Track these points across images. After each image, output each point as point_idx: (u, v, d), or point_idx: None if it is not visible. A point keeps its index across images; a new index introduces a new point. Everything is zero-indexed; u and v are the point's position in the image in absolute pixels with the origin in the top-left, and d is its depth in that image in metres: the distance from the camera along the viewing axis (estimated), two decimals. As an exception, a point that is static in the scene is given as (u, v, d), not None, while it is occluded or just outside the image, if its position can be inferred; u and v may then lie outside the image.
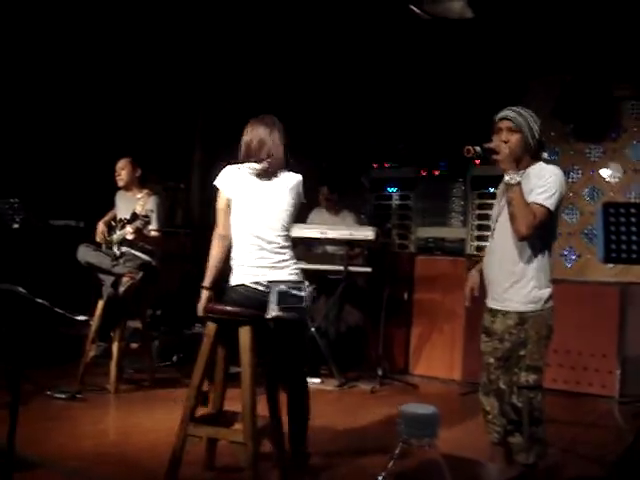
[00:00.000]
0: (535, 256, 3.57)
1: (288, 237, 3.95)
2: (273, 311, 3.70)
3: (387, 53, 7.31)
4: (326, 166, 8.16)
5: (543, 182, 3.52)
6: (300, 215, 7.16)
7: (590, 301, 6.58)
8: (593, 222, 6.75)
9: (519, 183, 3.47)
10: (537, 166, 3.65)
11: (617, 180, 6.79)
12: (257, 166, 3.88)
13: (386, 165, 8.13)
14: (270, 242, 3.84)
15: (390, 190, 8.01)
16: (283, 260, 3.86)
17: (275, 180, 3.89)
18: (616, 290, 6.51)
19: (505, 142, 3.56)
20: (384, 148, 8.24)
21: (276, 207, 3.88)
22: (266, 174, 3.88)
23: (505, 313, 3.61)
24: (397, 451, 1.11)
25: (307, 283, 3.87)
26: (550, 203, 3.48)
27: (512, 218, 3.48)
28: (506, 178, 3.49)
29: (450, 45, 7.00)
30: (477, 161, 7.24)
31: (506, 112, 3.66)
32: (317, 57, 7.40)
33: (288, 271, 3.85)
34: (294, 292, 3.75)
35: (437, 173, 7.76)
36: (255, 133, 3.93)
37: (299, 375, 4.06)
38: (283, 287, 3.74)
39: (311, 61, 7.50)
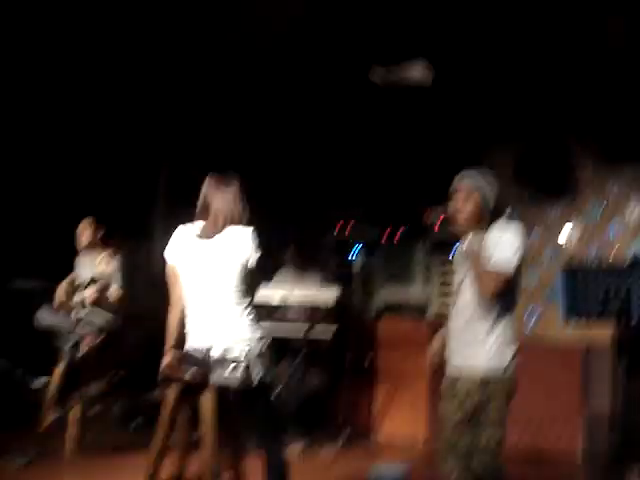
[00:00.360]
0: (500, 315, 3.57)
1: (240, 294, 3.79)
2: (212, 378, 3.65)
3: (347, 117, 7.42)
4: (292, 227, 8.19)
5: (504, 245, 3.53)
6: (267, 273, 7.25)
7: (551, 363, 6.58)
8: (553, 284, 6.83)
9: (479, 248, 3.51)
10: (498, 225, 3.66)
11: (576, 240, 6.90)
12: (200, 225, 3.85)
13: (350, 227, 8.18)
14: (216, 302, 3.76)
15: (353, 251, 8.04)
16: (230, 321, 3.76)
17: (217, 238, 3.78)
18: (579, 351, 6.54)
19: (461, 205, 3.64)
20: (347, 211, 8.31)
21: (217, 266, 3.76)
22: (207, 233, 3.80)
23: (466, 376, 3.58)
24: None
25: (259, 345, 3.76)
26: (511, 267, 3.50)
27: (476, 283, 3.51)
28: (466, 245, 3.55)
29: (409, 111, 7.13)
30: (436, 227, 7.34)
31: (464, 173, 3.74)
32: (281, 119, 7.48)
33: (235, 333, 3.74)
34: (230, 357, 3.66)
35: (399, 235, 7.82)
36: (203, 191, 3.89)
37: (269, 441, 3.95)
38: (220, 352, 3.66)
39: (276, 122, 7.57)
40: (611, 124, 6.61)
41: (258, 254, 3.78)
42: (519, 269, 3.57)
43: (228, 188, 3.89)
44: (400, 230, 7.77)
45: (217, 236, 3.79)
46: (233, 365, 3.63)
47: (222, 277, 3.76)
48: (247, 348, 3.69)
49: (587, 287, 3.98)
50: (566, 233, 6.94)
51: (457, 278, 3.75)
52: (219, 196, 3.86)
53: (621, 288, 4.01)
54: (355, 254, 8.02)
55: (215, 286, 3.77)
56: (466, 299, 3.61)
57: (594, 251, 6.80)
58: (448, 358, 3.73)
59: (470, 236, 3.54)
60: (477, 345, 3.56)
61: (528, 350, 6.60)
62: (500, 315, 3.57)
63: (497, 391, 3.53)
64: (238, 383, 3.66)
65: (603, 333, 4.95)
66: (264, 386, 3.80)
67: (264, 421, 3.92)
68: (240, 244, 3.76)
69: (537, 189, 7.03)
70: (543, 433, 6.60)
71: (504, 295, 3.54)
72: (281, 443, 4.00)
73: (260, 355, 3.72)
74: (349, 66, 6.48)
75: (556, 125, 6.87)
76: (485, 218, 3.66)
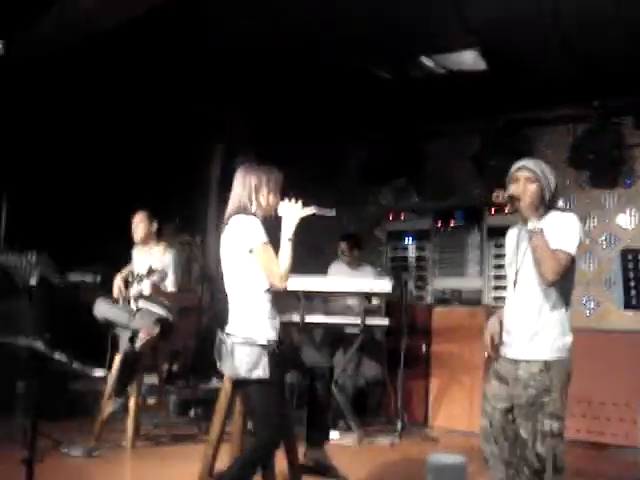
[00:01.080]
0: (559, 304, 3.62)
1: (247, 287, 3.72)
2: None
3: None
4: (346, 221, 8.18)
5: (564, 229, 3.58)
6: (320, 268, 7.26)
7: (611, 349, 6.50)
8: (611, 269, 6.71)
9: (542, 230, 3.54)
10: (553, 215, 3.70)
11: (633, 226, 6.77)
12: None
13: (402, 217, 8.15)
14: (230, 292, 3.77)
15: (406, 242, 8.01)
16: (234, 311, 3.73)
17: (226, 228, 3.78)
18: (637, 337, 6.43)
19: (523, 190, 3.65)
20: (399, 201, 8.28)
21: (224, 258, 3.79)
22: (225, 224, 3.80)
23: (529, 361, 3.61)
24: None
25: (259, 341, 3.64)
26: (573, 249, 3.55)
27: (538, 264, 3.55)
28: (529, 226, 3.57)
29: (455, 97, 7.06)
30: (492, 211, 7.29)
31: (524, 162, 3.74)
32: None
33: (239, 325, 3.71)
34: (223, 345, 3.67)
35: (453, 223, 7.76)
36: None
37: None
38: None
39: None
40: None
41: (258, 242, 3.64)
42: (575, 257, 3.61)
43: (244, 176, 3.82)
44: (455, 217, 7.71)
45: (226, 227, 3.78)
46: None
47: (228, 267, 3.77)
48: (237, 340, 3.64)
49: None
50: (624, 219, 6.81)
51: (513, 264, 3.77)
52: (235, 185, 3.84)
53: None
54: (408, 244, 8.00)
55: (226, 276, 3.78)
56: (526, 284, 3.65)
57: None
58: (505, 344, 3.75)
59: (533, 220, 3.56)
60: (539, 332, 3.60)
61: (586, 340, 6.63)
62: (560, 300, 3.62)
63: (560, 376, 3.58)
64: (229, 373, 3.69)
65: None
66: (256, 382, 3.62)
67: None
68: (235, 235, 3.71)
69: (594, 173, 6.90)
70: (603, 423, 6.51)
71: (564, 279, 3.58)
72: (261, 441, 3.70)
73: (250, 346, 3.62)
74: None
75: (612, 111, 6.74)
76: (543, 206, 3.69)
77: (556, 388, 3.57)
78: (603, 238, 6.88)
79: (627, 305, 3.93)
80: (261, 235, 3.64)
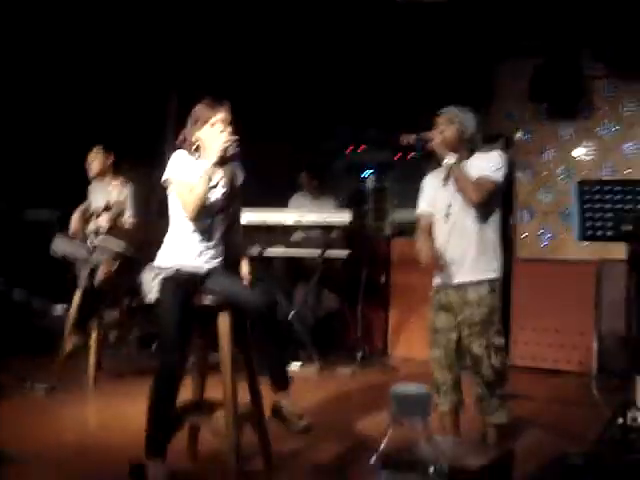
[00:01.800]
0: (491, 230, 3.95)
1: (171, 217, 3.88)
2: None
3: (359, 35, 7.27)
4: (308, 151, 8.14)
5: (487, 161, 3.91)
6: (281, 199, 7.26)
7: (567, 279, 6.63)
8: (568, 201, 6.78)
9: (457, 163, 3.86)
10: (478, 154, 3.99)
11: (590, 158, 6.83)
12: None
13: (361, 148, 8.12)
14: None
15: (366, 173, 8.00)
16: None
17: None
18: (592, 267, 6.55)
19: (440, 131, 3.95)
20: (358, 132, 8.24)
21: None
22: None
23: (477, 283, 3.88)
24: (389, 432, 1.11)
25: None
26: (497, 176, 3.87)
27: (462, 192, 3.85)
28: (445, 161, 3.89)
29: (421, 28, 6.97)
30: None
31: (443, 109, 4.04)
32: (292, 40, 7.34)
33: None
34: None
35: (411, 154, 7.76)
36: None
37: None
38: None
39: (285, 42, 7.44)
40: (628, 40, 6.46)
41: (172, 175, 3.75)
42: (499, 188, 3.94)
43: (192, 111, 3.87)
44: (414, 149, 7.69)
45: None
46: None
47: None
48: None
49: (602, 205, 3.94)
50: (580, 152, 6.87)
51: (444, 200, 3.99)
52: None
53: (636, 206, 3.97)
54: (367, 176, 7.99)
55: None
56: (460, 215, 3.91)
57: (609, 171, 6.73)
58: (446, 273, 3.94)
59: (447, 156, 3.88)
60: (481, 255, 3.89)
61: (542, 270, 6.75)
62: (493, 228, 3.96)
63: (499, 296, 3.96)
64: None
65: (618, 250, 4.94)
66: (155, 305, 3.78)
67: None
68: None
69: (551, 106, 6.92)
70: (557, 350, 6.67)
71: (491, 209, 3.94)
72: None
73: (150, 271, 3.80)
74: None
75: (571, 42, 6.73)
76: (463, 147, 3.96)
77: (499, 307, 3.95)
78: (560, 170, 6.94)
79: (583, 236, 4.00)
80: (177, 169, 3.72)
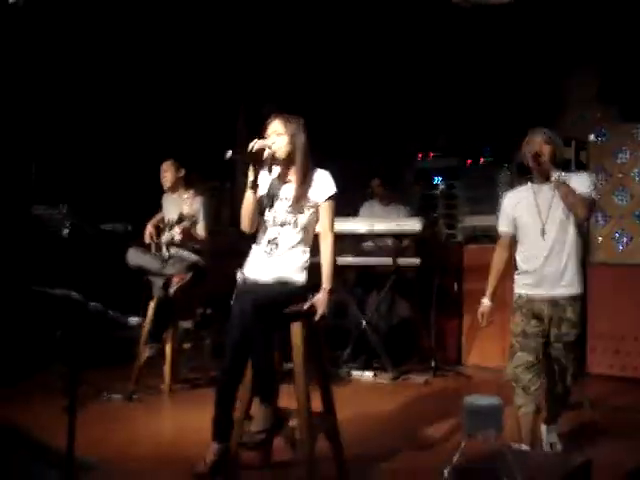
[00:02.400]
0: (581, 246, 4.21)
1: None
2: None
3: (427, 43, 7.25)
4: (378, 159, 8.14)
5: (583, 179, 4.19)
6: (351, 208, 7.28)
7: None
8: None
9: (566, 180, 4.06)
10: (568, 174, 4.22)
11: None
12: None
13: (430, 156, 8.07)
14: None
15: (436, 180, 7.95)
16: None
17: None
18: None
19: (540, 149, 4.15)
20: (427, 139, 8.20)
21: None
22: None
23: (576, 298, 4.15)
24: (462, 445, 1.09)
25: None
26: (594, 194, 4.16)
27: (572, 207, 4.04)
28: (554, 177, 4.07)
29: (488, 33, 6.92)
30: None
31: (540, 129, 4.27)
32: (359, 48, 7.36)
33: None
34: None
35: (482, 161, 7.68)
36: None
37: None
38: None
39: (352, 53, 7.47)
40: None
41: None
42: None
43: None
44: (484, 154, 7.61)
45: None
46: None
47: None
48: None
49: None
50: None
51: (535, 217, 4.18)
52: None
53: None
54: (438, 183, 7.93)
55: None
56: (559, 231, 4.11)
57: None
58: (536, 285, 4.18)
59: (554, 174, 4.06)
60: (576, 271, 4.14)
61: (618, 274, 6.59)
62: (581, 242, 4.20)
63: (581, 308, 4.20)
64: None
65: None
66: None
67: None
68: None
69: (625, 109, 6.77)
70: (636, 358, 6.50)
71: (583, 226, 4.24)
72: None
73: None
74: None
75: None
76: (555, 166, 4.15)
77: (580, 320, 4.20)
78: (635, 172, 6.77)
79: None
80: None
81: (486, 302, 4.43)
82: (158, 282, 5.83)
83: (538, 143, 4.16)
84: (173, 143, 7.05)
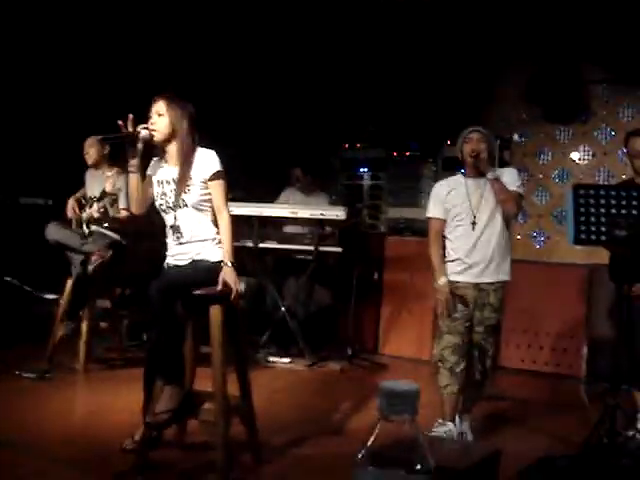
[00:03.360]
0: (508, 236, 4.46)
1: None
2: None
3: (355, 34, 7.28)
4: (300, 148, 8.13)
5: (511, 176, 4.44)
6: (270, 194, 7.26)
7: (559, 282, 6.64)
8: (562, 204, 6.79)
9: (498, 178, 4.30)
10: (498, 169, 4.54)
11: (586, 162, 6.84)
12: None
13: (357, 146, 8.12)
14: None
15: (361, 171, 8.00)
16: None
17: None
18: (584, 271, 6.57)
19: (478, 146, 4.35)
20: (354, 129, 8.24)
21: None
22: None
23: (499, 285, 4.39)
24: (376, 428, 1.11)
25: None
26: (522, 190, 4.51)
27: (504, 204, 4.30)
28: (489, 175, 4.30)
29: (419, 28, 6.99)
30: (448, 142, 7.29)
31: (476, 127, 4.45)
32: (289, 38, 7.35)
33: None
34: None
35: (408, 154, 7.76)
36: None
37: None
38: None
39: (282, 43, 7.45)
40: (627, 45, 6.48)
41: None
42: None
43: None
44: (410, 148, 7.69)
45: None
46: None
47: None
48: None
49: (597, 209, 3.95)
50: (577, 155, 6.88)
51: (470, 204, 4.38)
52: None
53: (630, 212, 3.97)
54: (363, 174, 7.99)
55: None
56: (487, 223, 4.34)
57: (604, 175, 6.75)
58: (466, 272, 4.39)
59: (488, 171, 4.30)
60: (504, 259, 4.39)
61: (535, 272, 6.76)
62: (510, 234, 4.49)
63: (503, 295, 4.44)
64: None
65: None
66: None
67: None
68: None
69: (548, 110, 6.93)
70: (548, 352, 6.68)
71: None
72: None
73: None
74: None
75: (569, 46, 6.74)
76: (489, 162, 4.41)
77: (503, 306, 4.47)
78: (556, 173, 6.96)
79: (577, 240, 4.00)
80: None
81: (443, 281, 4.39)
82: (77, 259, 5.72)
83: (476, 141, 4.36)
84: (100, 118, 6.91)
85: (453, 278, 4.40)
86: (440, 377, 4.36)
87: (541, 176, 6.94)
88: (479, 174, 4.36)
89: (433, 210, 4.52)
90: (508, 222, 4.42)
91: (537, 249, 6.96)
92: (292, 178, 7.40)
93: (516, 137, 7.12)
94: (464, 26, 6.85)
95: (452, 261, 4.42)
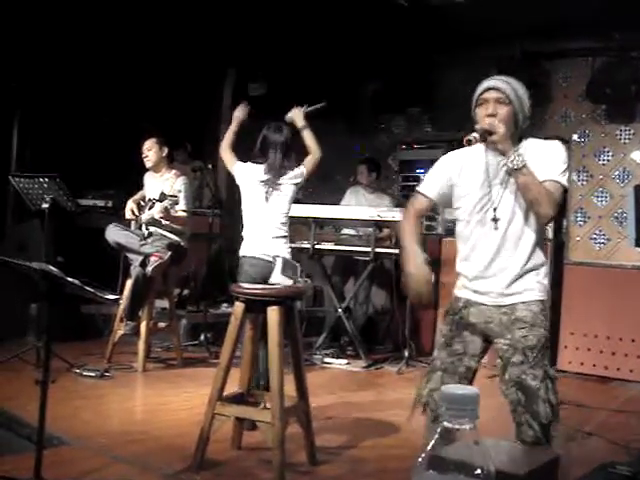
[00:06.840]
0: (542, 241, 3.13)
1: None
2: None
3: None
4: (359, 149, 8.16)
5: (552, 157, 3.01)
6: (336, 194, 7.32)
7: (620, 285, 6.51)
8: (623, 205, 6.66)
9: (526, 165, 2.90)
10: (532, 143, 3.08)
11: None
12: None
13: (414, 147, 8.09)
14: None
15: (418, 172, 7.96)
16: None
17: None
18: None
19: (493, 115, 2.98)
20: (412, 131, 8.22)
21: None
22: None
23: (526, 301, 3.05)
24: (437, 433, 1.09)
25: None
26: (565, 180, 3.00)
27: (534, 204, 2.94)
28: (509, 164, 2.91)
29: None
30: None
31: (492, 81, 3.06)
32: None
33: None
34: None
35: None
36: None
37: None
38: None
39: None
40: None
41: None
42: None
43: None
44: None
45: None
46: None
47: None
48: None
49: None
50: (638, 155, 6.74)
51: (483, 204, 3.11)
52: None
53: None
54: (420, 174, 7.94)
55: None
56: (511, 222, 3.05)
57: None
58: (479, 291, 3.19)
59: (511, 154, 2.90)
60: (533, 269, 3.08)
61: (595, 275, 6.64)
62: (543, 241, 3.16)
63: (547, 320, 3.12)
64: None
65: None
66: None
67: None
68: None
69: (609, 109, 6.80)
70: (608, 357, 6.56)
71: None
72: None
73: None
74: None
75: (629, 45, 6.60)
76: (515, 134, 3.04)
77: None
78: (617, 173, 6.82)
79: (638, 242, 3.93)
80: None
81: (419, 261, 3.37)
82: (136, 260, 5.80)
83: (493, 103, 3.00)
84: (157, 119, 7.01)
85: (458, 294, 3.31)
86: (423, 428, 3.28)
87: (601, 177, 6.81)
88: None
89: (426, 185, 3.30)
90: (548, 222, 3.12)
91: (597, 251, 6.82)
92: (357, 175, 7.46)
93: (575, 137, 7.00)
94: (511, 26, 6.74)
95: (464, 273, 3.33)
